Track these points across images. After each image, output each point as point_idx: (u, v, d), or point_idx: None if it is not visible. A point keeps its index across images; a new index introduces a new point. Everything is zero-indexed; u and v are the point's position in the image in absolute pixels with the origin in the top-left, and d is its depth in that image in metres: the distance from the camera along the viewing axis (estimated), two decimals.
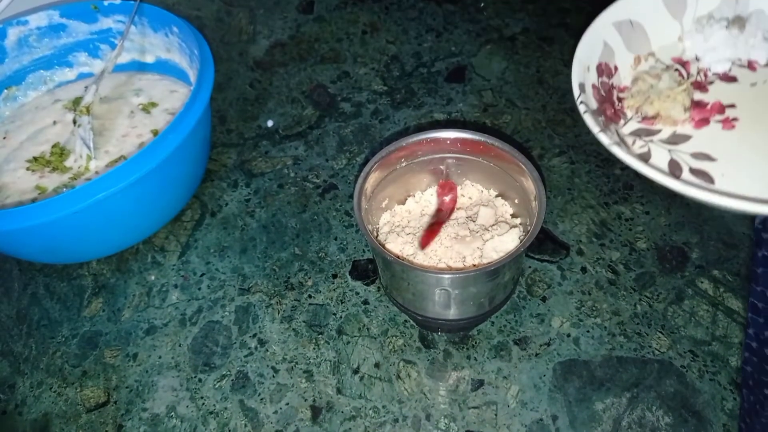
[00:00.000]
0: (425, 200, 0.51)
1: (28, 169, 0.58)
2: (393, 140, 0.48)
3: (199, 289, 0.55)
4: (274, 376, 0.49)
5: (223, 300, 0.54)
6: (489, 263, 0.42)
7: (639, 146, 0.42)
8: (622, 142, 0.41)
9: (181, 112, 0.51)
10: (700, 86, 0.45)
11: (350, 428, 0.46)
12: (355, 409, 0.47)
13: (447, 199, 0.51)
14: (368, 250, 0.57)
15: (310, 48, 0.77)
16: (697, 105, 0.43)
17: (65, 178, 0.56)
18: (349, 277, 0.55)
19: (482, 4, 0.81)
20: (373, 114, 0.69)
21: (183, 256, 0.58)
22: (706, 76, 0.46)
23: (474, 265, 0.45)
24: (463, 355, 0.49)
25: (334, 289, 0.54)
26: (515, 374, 0.48)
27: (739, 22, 0.48)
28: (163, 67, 0.67)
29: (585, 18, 0.77)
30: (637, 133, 0.43)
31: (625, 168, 0.60)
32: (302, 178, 0.63)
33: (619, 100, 0.46)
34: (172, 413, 0.48)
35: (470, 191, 0.52)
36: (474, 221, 0.49)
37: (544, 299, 0.52)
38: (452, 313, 0.46)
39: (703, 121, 0.43)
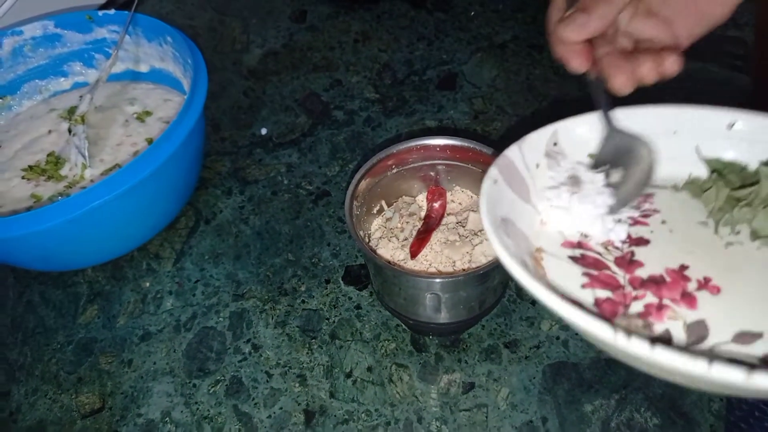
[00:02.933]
0: (415, 206, 0.52)
1: (23, 177, 0.58)
2: (385, 147, 0.49)
3: (194, 295, 0.56)
4: (267, 381, 0.50)
5: (218, 306, 0.55)
6: (478, 267, 0.43)
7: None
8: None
9: (174, 120, 0.51)
10: (627, 263, 0.35)
11: None
12: (347, 413, 0.48)
13: (437, 205, 0.52)
14: (361, 256, 0.57)
15: (303, 57, 0.78)
16: (667, 284, 0.33)
17: (60, 186, 0.57)
18: (341, 282, 0.56)
19: (472, 13, 0.82)
20: (365, 121, 0.70)
21: (177, 263, 0.58)
22: (615, 247, 0.36)
23: (464, 270, 0.46)
24: (454, 358, 0.50)
25: (327, 295, 0.55)
26: (505, 377, 0.49)
27: (573, 180, 0.39)
28: (157, 77, 0.67)
29: None
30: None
31: None
32: (295, 185, 0.64)
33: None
34: (167, 419, 0.49)
35: (460, 197, 0.52)
36: (464, 226, 0.50)
37: (533, 303, 0.53)
38: (443, 317, 0.47)
39: (689, 301, 0.33)
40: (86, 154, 0.57)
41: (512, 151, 0.40)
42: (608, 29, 0.38)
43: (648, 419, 0.46)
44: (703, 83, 0.69)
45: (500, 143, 0.65)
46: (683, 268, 0.34)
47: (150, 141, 0.60)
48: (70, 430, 0.49)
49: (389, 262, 0.46)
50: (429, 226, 0.50)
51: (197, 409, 0.49)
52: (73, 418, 0.49)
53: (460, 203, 0.52)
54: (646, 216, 0.38)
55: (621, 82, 0.38)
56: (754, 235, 0.35)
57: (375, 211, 0.52)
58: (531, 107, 0.69)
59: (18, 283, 0.59)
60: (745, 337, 0.30)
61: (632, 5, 0.39)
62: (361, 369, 0.50)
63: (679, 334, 0.31)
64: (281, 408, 0.48)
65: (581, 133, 0.41)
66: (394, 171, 0.50)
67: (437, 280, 0.43)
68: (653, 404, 0.46)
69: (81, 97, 0.62)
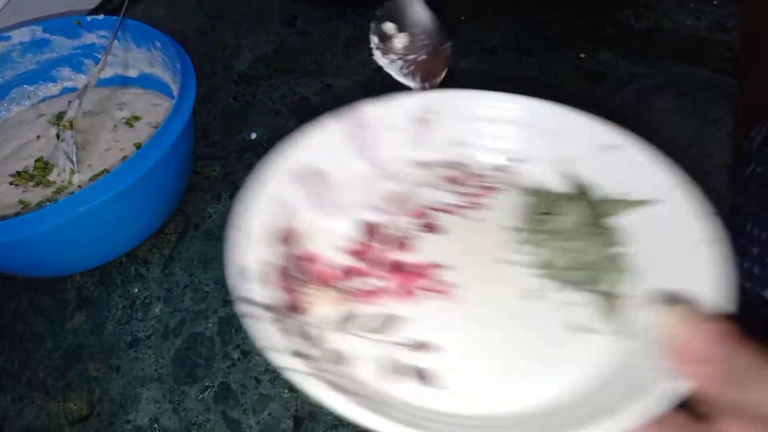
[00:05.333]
0: None
1: (11, 183, 0.58)
2: None
3: (183, 301, 0.56)
4: (256, 387, 0.50)
5: (207, 311, 0.55)
6: None
7: (337, 341, 0.29)
8: (310, 338, 0.28)
9: (162, 125, 0.51)
10: (403, 244, 0.33)
11: None
12: (336, 419, 0.48)
13: None
14: None
15: (294, 61, 0.78)
16: (407, 272, 0.32)
17: (48, 192, 0.57)
18: None
19: (462, 17, 0.82)
20: None
21: (166, 269, 0.58)
22: (404, 230, 0.35)
23: None
24: None
25: None
26: None
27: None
28: (146, 82, 0.67)
29: (564, 30, 0.78)
30: (336, 320, 0.30)
31: None
32: None
33: (309, 275, 0.32)
34: (155, 425, 0.48)
35: None
36: None
37: None
38: None
39: (412, 293, 0.31)
40: (74, 159, 0.57)
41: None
42: None
43: None
44: (689, 87, 0.69)
45: None
46: (440, 266, 0.32)
47: (138, 146, 0.60)
48: None
49: None
50: None
51: (186, 415, 0.49)
52: (61, 425, 0.49)
53: None
54: (467, 208, 0.36)
55: None
56: (536, 265, 0.32)
57: None
58: None
59: (5, 289, 0.58)
60: (423, 347, 0.29)
61: None
62: None
63: (375, 321, 0.30)
64: (270, 414, 0.48)
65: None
66: None
67: None
68: None
69: (69, 102, 0.62)
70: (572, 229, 0.32)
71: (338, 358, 0.28)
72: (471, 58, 0.76)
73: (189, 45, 0.63)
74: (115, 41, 0.64)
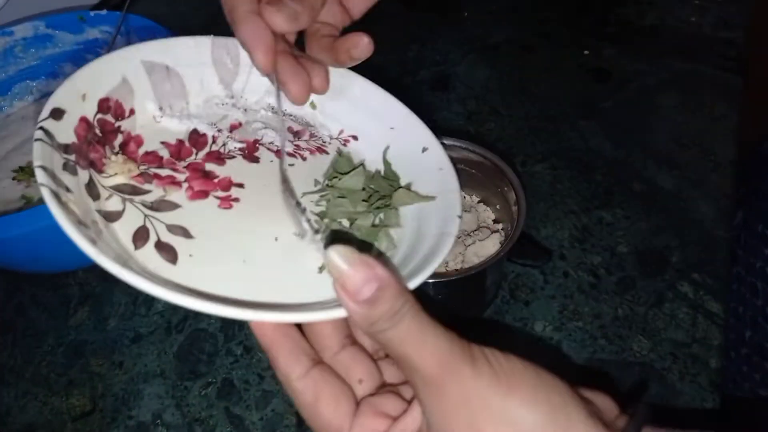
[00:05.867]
0: None
1: (14, 179, 0.58)
2: None
3: None
4: (259, 383, 0.50)
5: None
6: (470, 268, 0.43)
7: (114, 202, 0.33)
8: (91, 190, 0.32)
9: None
10: (218, 158, 0.37)
11: None
12: None
13: None
14: None
15: None
16: (206, 176, 0.36)
17: None
18: None
19: (465, 14, 0.82)
20: None
21: None
22: (226, 149, 0.39)
23: (456, 270, 0.46)
24: None
25: None
26: None
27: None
28: None
29: (566, 26, 0.78)
30: (122, 189, 0.33)
31: (606, 174, 0.61)
32: None
33: (123, 148, 0.36)
34: (158, 421, 0.48)
35: None
36: None
37: (527, 303, 0.53)
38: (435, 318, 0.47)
39: (202, 194, 0.35)
40: None
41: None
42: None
43: None
44: (694, 84, 0.69)
45: (494, 144, 0.65)
46: (236, 184, 0.36)
47: None
48: None
49: None
50: None
51: (188, 411, 0.49)
52: (64, 421, 0.49)
53: None
54: (290, 155, 0.39)
55: (298, 93, 0.35)
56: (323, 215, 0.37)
57: None
58: (523, 108, 0.69)
59: (8, 285, 0.58)
60: (182, 232, 0.33)
61: None
62: None
63: (153, 197, 0.34)
64: (273, 410, 0.48)
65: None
66: None
67: (429, 281, 0.43)
68: None
69: None
70: (352, 195, 0.37)
71: (108, 215, 0.32)
72: (474, 54, 0.76)
73: None
74: (118, 37, 0.64)
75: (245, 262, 0.33)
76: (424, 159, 0.40)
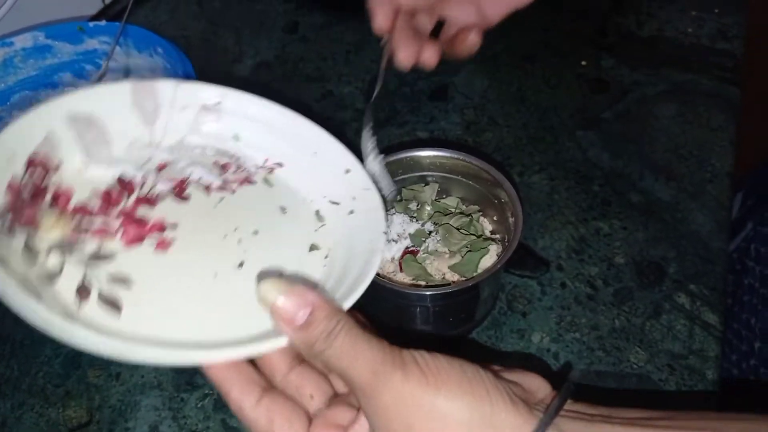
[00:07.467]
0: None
1: None
2: None
3: None
4: None
5: None
6: (467, 279, 0.43)
7: (53, 260, 0.33)
8: (30, 251, 0.32)
9: None
10: (148, 201, 0.38)
11: None
12: None
13: None
14: None
15: (295, 68, 0.78)
16: (138, 221, 0.36)
17: None
18: None
19: None
20: (356, 132, 0.69)
21: None
22: (155, 191, 0.39)
23: (453, 282, 0.46)
24: None
25: None
26: None
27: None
28: None
29: (565, 37, 0.78)
30: (58, 245, 0.34)
31: (604, 185, 0.62)
32: None
33: (54, 202, 0.36)
34: None
35: None
36: None
37: (524, 314, 0.53)
38: (433, 330, 0.47)
39: (137, 239, 0.35)
40: None
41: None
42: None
43: None
44: (692, 95, 0.69)
45: (492, 154, 0.66)
46: (169, 225, 0.37)
47: None
48: None
49: (378, 275, 0.46)
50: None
51: (185, 423, 0.49)
52: None
53: None
54: (220, 189, 0.40)
55: (405, 57, 0.42)
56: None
57: None
58: (522, 118, 0.69)
59: None
60: (121, 280, 0.33)
61: None
62: None
63: (90, 250, 0.34)
64: None
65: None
66: None
67: (427, 293, 0.43)
68: None
69: None
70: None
71: (48, 275, 0.32)
72: (473, 64, 0.76)
73: (191, 51, 0.63)
74: (117, 47, 0.64)
75: (188, 302, 0.33)
76: (348, 180, 0.41)
